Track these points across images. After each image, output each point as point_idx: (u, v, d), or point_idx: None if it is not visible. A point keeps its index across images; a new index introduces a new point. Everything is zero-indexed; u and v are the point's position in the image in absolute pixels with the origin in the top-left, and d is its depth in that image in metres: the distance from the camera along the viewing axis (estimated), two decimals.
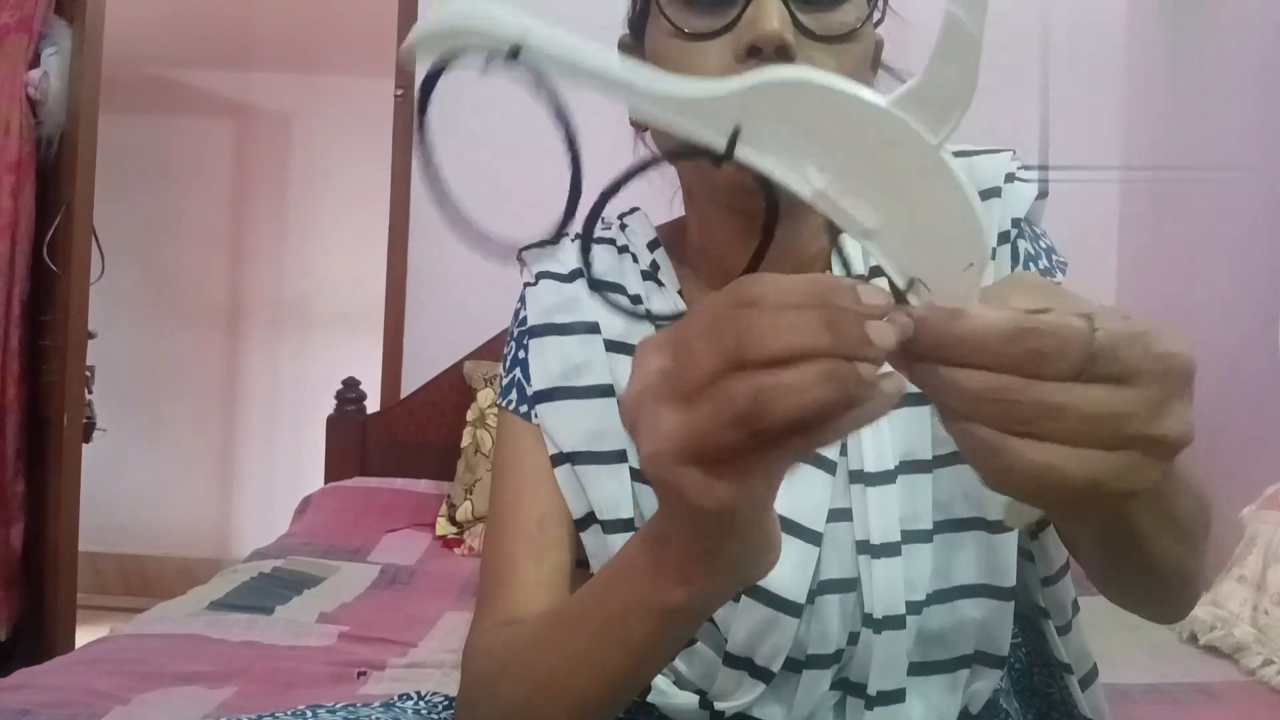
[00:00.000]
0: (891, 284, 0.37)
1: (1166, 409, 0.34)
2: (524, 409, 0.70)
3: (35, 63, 2.10)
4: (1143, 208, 2.40)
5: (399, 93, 2.52)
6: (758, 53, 0.58)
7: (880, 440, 0.63)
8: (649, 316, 0.69)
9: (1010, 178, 0.68)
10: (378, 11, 2.65)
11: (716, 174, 0.62)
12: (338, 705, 0.69)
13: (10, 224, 2.06)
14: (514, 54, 0.35)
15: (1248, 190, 1.91)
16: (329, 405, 2.49)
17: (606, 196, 0.39)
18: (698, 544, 0.43)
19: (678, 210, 0.73)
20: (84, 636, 1.93)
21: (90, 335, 2.23)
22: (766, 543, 0.44)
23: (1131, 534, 0.50)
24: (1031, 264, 0.67)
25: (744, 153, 0.36)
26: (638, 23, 0.68)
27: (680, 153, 0.37)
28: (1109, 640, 1.46)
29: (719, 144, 0.36)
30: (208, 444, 3.45)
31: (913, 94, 0.34)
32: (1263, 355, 1.80)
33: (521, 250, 0.77)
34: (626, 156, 0.75)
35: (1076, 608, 0.69)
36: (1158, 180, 2.27)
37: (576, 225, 0.41)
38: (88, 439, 2.24)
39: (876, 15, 0.65)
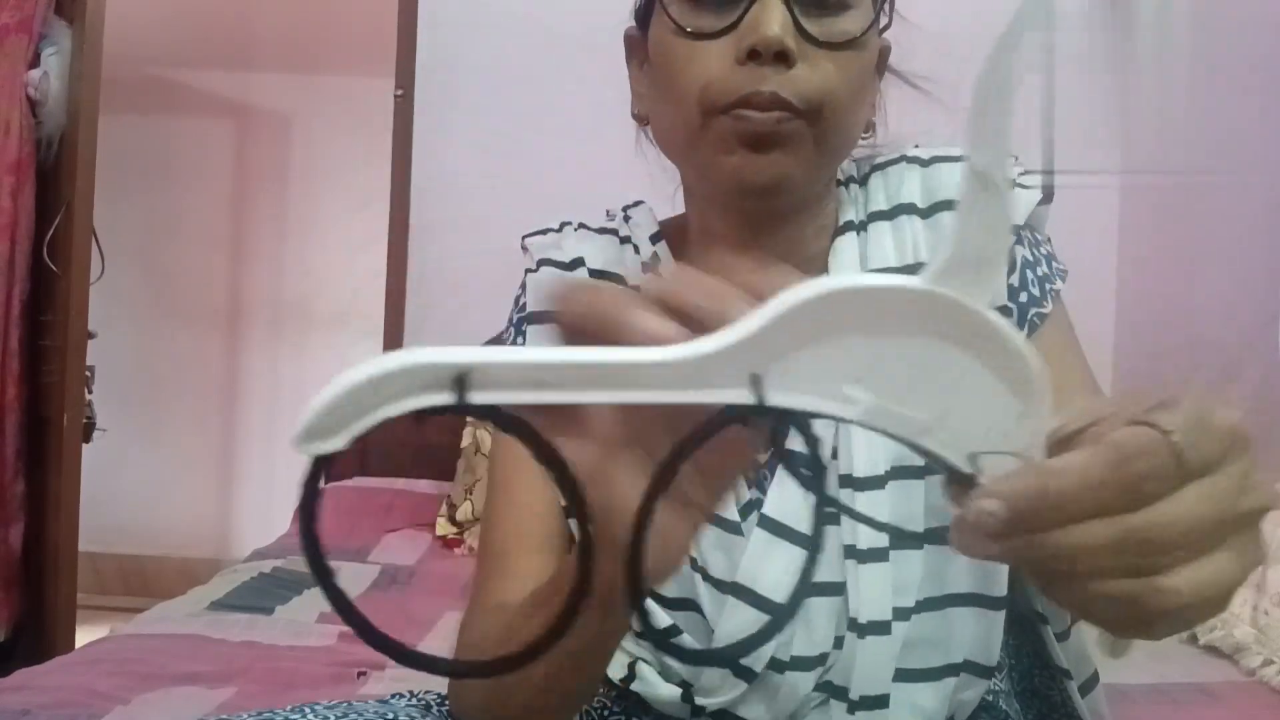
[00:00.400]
0: (951, 470, 0.33)
1: (1251, 478, 0.33)
2: None
3: (35, 63, 2.10)
4: (1143, 208, 2.40)
5: (399, 93, 2.52)
6: (757, 56, 0.58)
7: (872, 445, 0.63)
8: None
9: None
10: (378, 11, 2.65)
11: (716, 173, 0.63)
12: (333, 702, 0.69)
13: (10, 224, 2.06)
14: (459, 389, 0.29)
15: (1248, 191, 1.91)
16: None
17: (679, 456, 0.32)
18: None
19: (679, 206, 0.74)
20: (84, 636, 1.93)
21: (90, 335, 2.23)
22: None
23: None
24: (1029, 271, 0.67)
25: (773, 399, 0.32)
26: (643, 16, 0.69)
27: (707, 432, 0.32)
28: None
29: (738, 397, 0.31)
30: (208, 444, 3.45)
31: (946, 264, 0.32)
32: (1263, 355, 1.80)
33: (524, 237, 0.77)
34: (628, 149, 0.75)
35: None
36: (1157, 182, 2.27)
37: None
38: (88, 439, 2.24)
39: (883, 21, 0.65)
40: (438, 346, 0.29)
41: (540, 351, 0.30)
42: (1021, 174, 0.69)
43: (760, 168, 0.60)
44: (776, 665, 0.63)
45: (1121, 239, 2.44)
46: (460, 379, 0.29)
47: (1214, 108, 2.03)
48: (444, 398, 0.29)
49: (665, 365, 0.31)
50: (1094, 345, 0.62)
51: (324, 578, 0.30)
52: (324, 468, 0.30)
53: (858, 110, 0.64)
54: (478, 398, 0.29)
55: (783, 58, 0.58)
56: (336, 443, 0.30)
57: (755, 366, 0.31)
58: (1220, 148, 2.02)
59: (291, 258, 3.44)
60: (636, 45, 0.71)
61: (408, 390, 0.30)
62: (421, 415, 0.30)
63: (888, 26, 0.67)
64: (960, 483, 0.33)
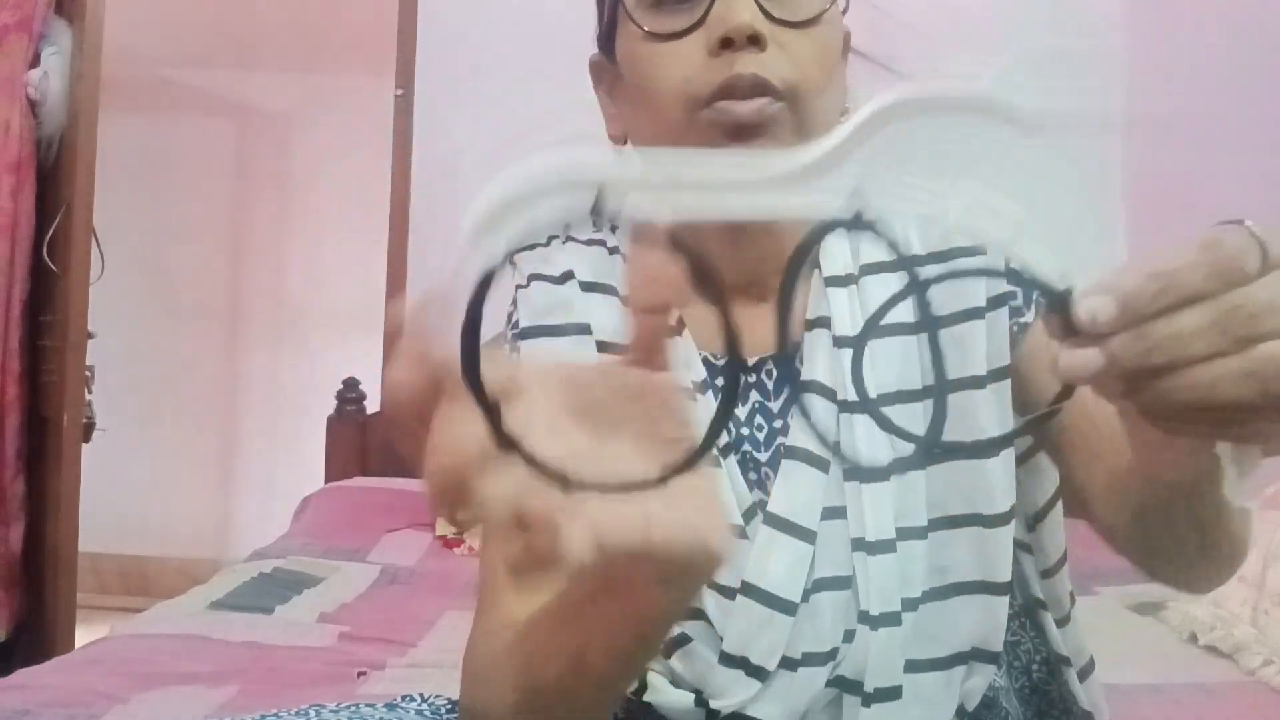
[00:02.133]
0: (1045, 288, 0.35)
1: None
2: None
3: (35, 63, 2.10)
4: (1143, 209, 2.40)
5: (399, 92, 2.52)
6: (730, 44, 0.59)
7: (873, 437, 0.63)
8: None
9: None
10: (378, 11, 2.65)
11: (707, 146, 0.63)
12: (340, 705, 0.69)
13: (10, 224, 2.06)
14: (599, 195, 0.32)
15: (1247, 191, 1.91)
16: (329, 405, 2.49)
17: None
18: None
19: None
20: (84, 636, 1.93)
21: (90, 335, 2.23)
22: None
23: (1220, 508, 0.50)
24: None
25: (873, 202, 0.35)
26: (606, 38, 0.69)
27: (821, 233, 0.35)
28: (1109, 640, 1.46)
29: (835, 210, 0.34)
30: (208, 444, 3.45)
31: (1004, 70, 0.34)
32: None
33: (512, 253, 0.77)
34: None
35: (1073, 600, 0.69)
36: (1158, 184, 2.27)
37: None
38: (88, 439, 2.24)
39: (842, 4, 0.66)
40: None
41: (677, 158, 0.34)
42: None
43: None
44: (788, 663, 0.63)
45: (1126, 239, 2.44)
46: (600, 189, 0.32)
47: (1214, 107, 2.03)
48: (580, 201, 0.32)
49: (779, 176, 0.33)
50: None
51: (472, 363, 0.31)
52: (489, 280, 0.31)
53: (832, 90, 0.65)
54: (613, 203, 0.32)
55: (755, 41, 0.59)
56: (500, 237, 0.31)
57: (853, 173, 0.34)
58: (1220, 147, 2.02)
59: (291, 258, 3.45)
60: (602, 71, 0.71)
61: (557, 189, 0.32)
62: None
63: (846, 9, 0.67)
64: (1054, 306, 0.35)
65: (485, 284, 0.31)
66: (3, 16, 2.07)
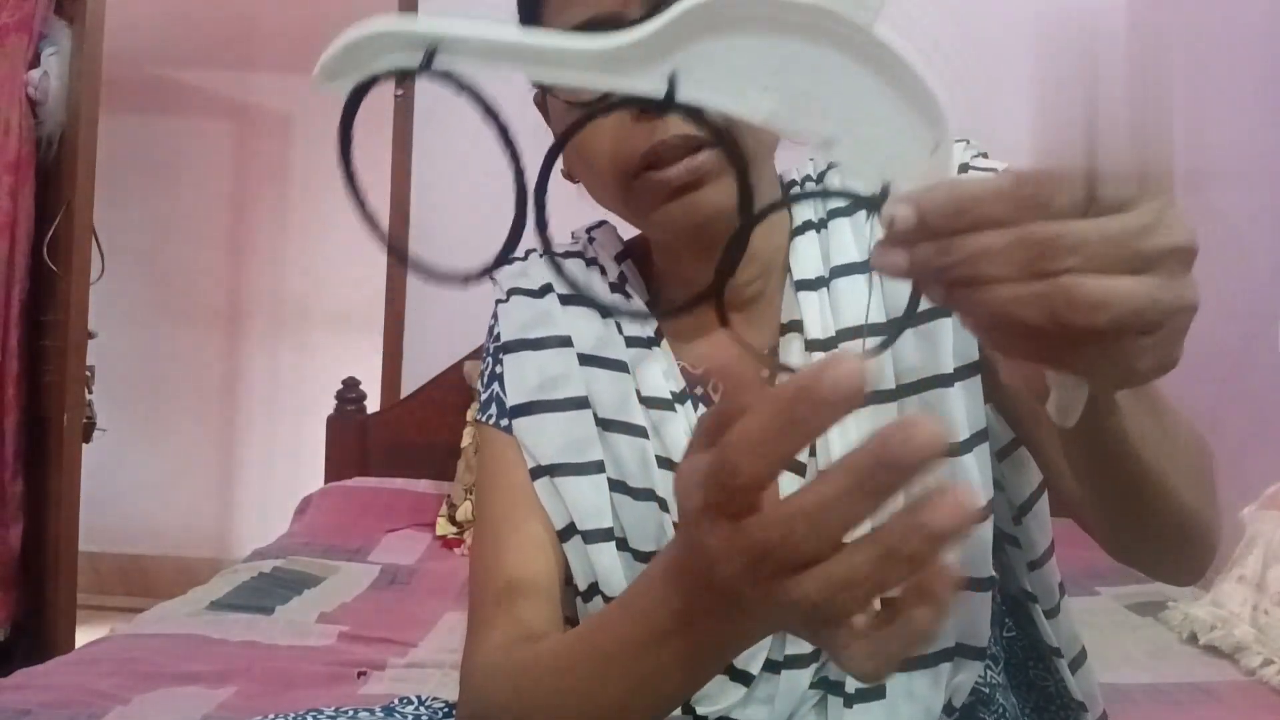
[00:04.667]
0: (855, 194, 0.37)
1: (1171, 218, 0.34)
2: (504, 423, 0.71)
3: (35, 63, 2.10)
4: None
5: (399, 93, 2.52)
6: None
7: (848, 438, 0.63)
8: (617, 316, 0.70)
9: (964, 168, 0.67)
10: (378, 12, 2.65)
11: (651, 225, 0.64)
12: (338, 709, 0.69)
13: (10, 224, 2.06)
14: (428, 59, 0.35)
15: (1247, 191, 1.91)
16: (329, 405, 2.49)
17: (546, 171, 0.38)
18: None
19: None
20: (84, 636, 1.93)
21: (90, 335, 2.23)
22: None
23: (1139, 466, 0.48)
24: None
25: (686, 94, 0.35)
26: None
27: (618, 104, 0.36)
28: (1109, 640, 1.46)
29: (654, 89, 0.35)
30: (208, 444, 3.45)
31: None
32: (1263, 355, 1.80)
33: (490, 270, 0.77)
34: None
35: (1063, 590, 0.70)
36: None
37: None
38: (88, 439, 2.24)
39: None
40: (419, 16, 0.36)
41: (500, 30, 0.35)
42: (975, 156, 0.67)
43: (690, 210, 0.61)
44: (772, 666, 0.63)
45: None
46: (430, 51, 0.35)
47: (1213, 106, 2.03)
48: (415, 60, 0.35)
49: (594, 52, 0.35)
50: None
51: (353, 184, 0.39)
52: (358, 100, 0.36)
53: None
54: (441, 64, 0.35)
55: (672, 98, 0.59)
56: (345, 84, 0.36)
57: (674, 64, 0.35)
58: (1220, 146, 2.02)
59: (291, 258, 3.44)
60: (545, 109, 0.71)
61: (393, 48, 0.35)
62: (402, 78, 0.36)
63: None
64: (873, 207, 0.36)
65: (357, 99, 0.36)
66: (3, 16, 2.07)
